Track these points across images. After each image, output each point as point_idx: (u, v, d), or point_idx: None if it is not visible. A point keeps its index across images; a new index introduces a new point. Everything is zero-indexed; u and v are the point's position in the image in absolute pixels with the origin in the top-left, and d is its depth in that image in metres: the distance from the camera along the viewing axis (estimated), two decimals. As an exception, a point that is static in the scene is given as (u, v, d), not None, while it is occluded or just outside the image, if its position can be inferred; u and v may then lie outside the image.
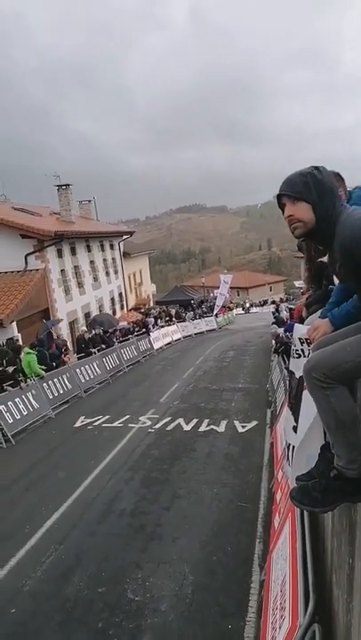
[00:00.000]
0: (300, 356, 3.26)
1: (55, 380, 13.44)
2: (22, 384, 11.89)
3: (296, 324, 3.52)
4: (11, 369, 11.94)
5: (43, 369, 12.88)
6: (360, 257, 1.87)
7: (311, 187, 2.01)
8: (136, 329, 22.21)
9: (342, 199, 2.67)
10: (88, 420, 11.59)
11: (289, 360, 5.07)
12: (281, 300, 41.87)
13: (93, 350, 16.67)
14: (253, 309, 53.44)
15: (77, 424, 11.45)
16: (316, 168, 2.05)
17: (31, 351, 12.90)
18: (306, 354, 3.13)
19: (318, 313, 3.18)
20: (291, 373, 3.51)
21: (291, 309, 16.93)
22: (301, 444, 3.06)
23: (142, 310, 29.88)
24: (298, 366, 3.21)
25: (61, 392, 13.47)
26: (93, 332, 17.96)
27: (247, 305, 55.79)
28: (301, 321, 3.97)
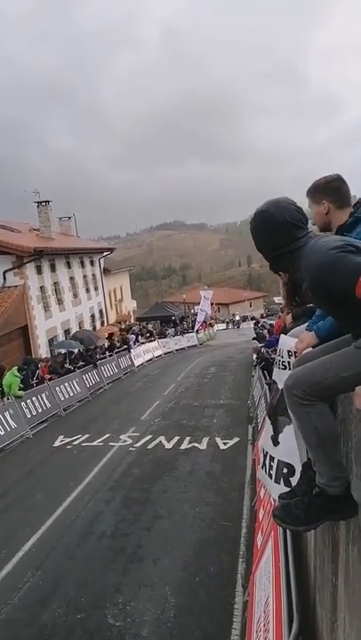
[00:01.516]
0: (285, 367, 3.27)
1: (33, 398, 13.18)
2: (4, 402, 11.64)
3: (283, 335, 3.53)
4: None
5: (21, 387, 12.64)
6: (328, 283, 1.91)
7: (258, 237, 2.18)
8: (117, 345, 22.02)
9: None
10: (67, 440, 11.38)
11: (270, 375, 5.05)
12: (261, 316, 42.21)
13: (69, 367, 16.45)
14: (245, 324, 46.71)
15: (56, 444, 11.23)
16: (255, 214, 2.16)
17: (17, 374, 12.65)
18: (292, 366, 3.14)
19: (303, 326, 3.20)
20: (273, 383, 3.51)
21: (270, 325, 17.09)
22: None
23: (122, 326, 29.71)
24: (281, 377, 3.21)
25: (40, 411, 13.21)
26: (75, 352, 17.72)
27: (236, 318, 51.29)
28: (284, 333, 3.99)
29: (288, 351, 3.21)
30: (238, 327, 47.38)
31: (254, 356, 15.19)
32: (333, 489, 2.13)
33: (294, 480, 2.90)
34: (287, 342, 3.24)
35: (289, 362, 3.20)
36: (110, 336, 22.72)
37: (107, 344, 21.56)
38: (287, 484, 3.01)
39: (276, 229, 2.10)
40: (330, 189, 2.56)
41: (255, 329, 21.25)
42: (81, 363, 17.43)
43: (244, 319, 52.02)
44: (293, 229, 2.09)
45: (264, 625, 3.34)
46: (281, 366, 3.33)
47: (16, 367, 13.02)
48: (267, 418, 3.91)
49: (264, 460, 3.61)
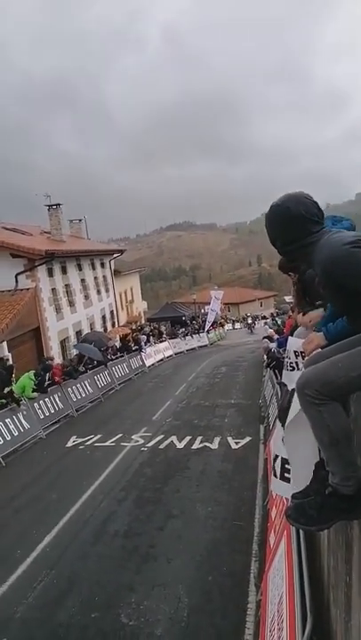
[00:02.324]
0: (293, 368, 3.27)
1: (46, 399, 13.28)
2: (20, 404, 11.75)
3: (291, 337, 3.53)
4: (6, 389, 11.83)
5: (35, 389, 12.76)
6: (340, 278, 1.93)
7: (273, 230, 2.20)
8: (130, 344, 21.92)
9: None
10: (80, 440, 11.44)
11: (281, 374, 5.05)
12: (272, 315, 41.91)
13: (82, 369, 16.51)
14: (259, 324, 41.96)
15: (69, 444, 11.30)
16: (271, 207, 2.18)
17: (32, 378, 12.75)
18: (300, 367, 3.14)
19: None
20: (283, 385, 3.52)
21: (279, 325, 16.99)
22: (300, 460, 3.04)
23: (133, 327, 29.76)
24: (291, 379, 3.21)
25: (52, 412, 13.31)
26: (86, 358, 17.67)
27: (249, 321, 43.67)
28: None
29: (295, 352, 3.21)
30: (251, 331, 39.60)
31: (265, 355, 15.14)
32: (347, 488, 2.12)
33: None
34: (295, 343, 3.24)
35: (297, 362, 3.20)
36: (125, 337, 22.47)
37: (119, 345, 21.52)
38: None
39: (291, 223, 2.11)
40: None
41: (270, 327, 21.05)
42: (95, 363, 17.48)
43: (255, 318, 50.24)
44: (309, 224, 2.10)
45: (278, 624, 3.34)
46: (289, 367, 3.33)
47: (33, 371, 13.13)
48: (278, 420, 3.91)
49: (274, 463, 3.61)
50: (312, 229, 2.09)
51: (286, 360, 3.35)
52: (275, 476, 3.54)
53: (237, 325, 47.94)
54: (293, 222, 2.10)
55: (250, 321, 43.66)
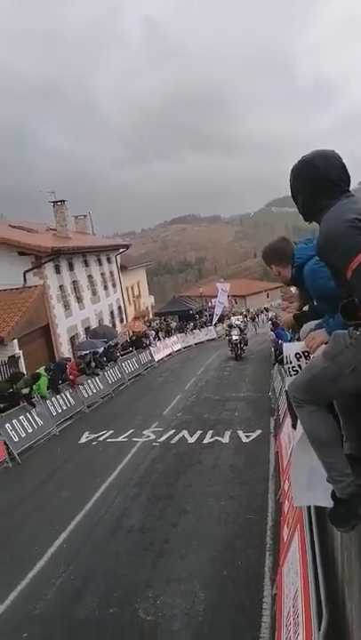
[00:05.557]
0: (297, 372, 3.20)
1: (58, 396, 13.42)
2: (34, 403, 11.91)
3: (285, 344, 3.51)
4: (26, 390, 11.95)
5: (49, 387, 12.91)
6: (328, 255, 1.88)
7: (296, 185, 2.13)
8: (143, 340, 21.82)
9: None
10: (92, 436, 11.56)
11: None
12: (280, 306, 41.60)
13: (96, 369, 16.57)
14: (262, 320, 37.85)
15: (82, 440, 11.42)
16: (299, 161, 2.09)
17: (44, 374, 12.91)
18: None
19: (311, 324, 3.15)
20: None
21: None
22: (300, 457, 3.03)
23: (145, 321, 29.81)
24: None
25: (65, 408, 13.45)
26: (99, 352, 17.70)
27: (234, 335, 21.95)
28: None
29: (296, 354, 3.07)
30: (237, 355, 21.67)
31: (272, 349, 15.12)
32: (338, 491, 2.15)
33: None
34: (293, 347, 3.12)
35: (299, 365, 3.07)
36: (141, 335, 22.00)
37: (133, 338, 21.36)
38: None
39: (315, 182, 2.01)
40: (272, 254, 2.62)
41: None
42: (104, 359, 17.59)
43: (258, 314, 44.67)
44: (333, 187, 1.99)
45: (294, 618, 3.38)
46: (293, 372, 3.18)
47: (43, 367, 13.27)
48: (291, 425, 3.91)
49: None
50: (334, 194, 1.97)
51: (287, 366, 3.22)
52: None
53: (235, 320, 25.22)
54: (318, 182, 1.99)
55: (235, 336, 22.06)
